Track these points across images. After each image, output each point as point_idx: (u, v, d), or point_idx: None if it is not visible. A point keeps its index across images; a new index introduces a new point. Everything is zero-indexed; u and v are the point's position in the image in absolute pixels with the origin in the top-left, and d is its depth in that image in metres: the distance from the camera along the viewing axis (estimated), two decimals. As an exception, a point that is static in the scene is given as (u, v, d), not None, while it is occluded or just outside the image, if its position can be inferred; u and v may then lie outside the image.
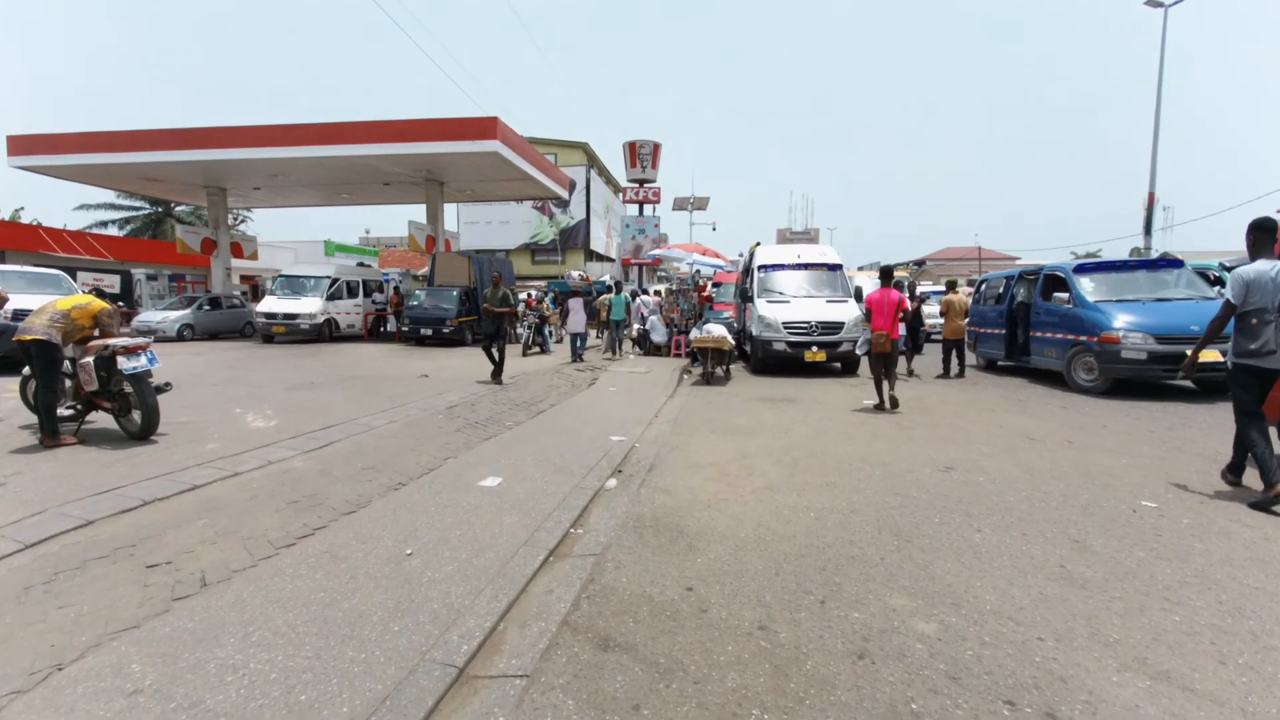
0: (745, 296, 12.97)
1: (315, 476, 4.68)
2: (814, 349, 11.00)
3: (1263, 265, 4.04)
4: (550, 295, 31.81)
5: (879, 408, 7.63)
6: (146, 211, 36.95)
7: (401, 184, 22.34)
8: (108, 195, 33.89)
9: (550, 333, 16.03)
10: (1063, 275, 9.52)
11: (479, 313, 17.65)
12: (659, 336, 13.91)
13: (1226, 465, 4.41)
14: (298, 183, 22.08)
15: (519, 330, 14.93)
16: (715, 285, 18.52)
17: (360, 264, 23.29)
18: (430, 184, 21.68)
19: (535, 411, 7.75)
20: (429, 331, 16.53)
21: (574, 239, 43.18)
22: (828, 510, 3.96)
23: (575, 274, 16.93)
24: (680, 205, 38.58)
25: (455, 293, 17.01)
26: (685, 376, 11.43)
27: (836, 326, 11.13)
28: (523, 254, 44.03)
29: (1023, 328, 10.60)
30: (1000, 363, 11.70)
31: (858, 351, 10.45)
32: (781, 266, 12.58)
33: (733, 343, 10.61)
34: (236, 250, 24.18)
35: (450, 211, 45.74)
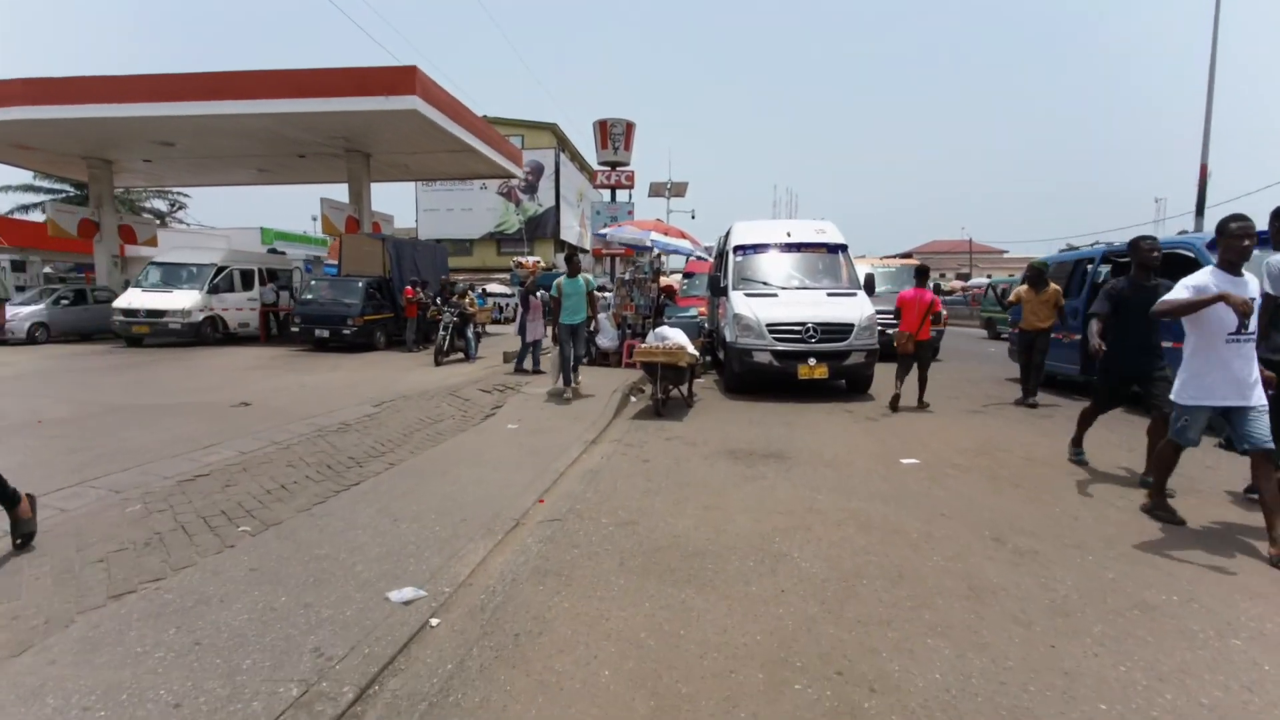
0: (717, 288, 9.63)
1: None
2: (811, 361, 7.73)
3: None
4: (519, 291, 28.37)
5: (896, 400, 7.21)
6: (69, 194, 33.01)
7: (320, 156, 18.61)
8: (25, 175, 30.34)
9: (477, 334, 12.65)
10: (1191, 254, 6.31)
11: (395, 309, 14.21)
12: (607, 340, 10.55)
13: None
14: (190, 153, 18.37)
15: (441, 332, 11.36)
16: (686, 276, 15.21)
17: (271, 250, 19.62)
18: (353, 156, 18.09)
19: (343, 484, 4.43)
20: (326, 333, 13.05)
21: (543, 228, 39.67)
22: None
23: (520, 260, 13.34)
24: (657, 191, 35.09)
25: (361, 284, 13.51)
26: (633, 400, 8.15)
27: (843, 330, 7.88)
28: (488, 244, 40.52)
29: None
30: (1060, 377, 8.59)
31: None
32: (765, 247, 9.27)
33: (695, 354, 7.31)
34: (128, 234, 20.42)
35: (409, 198, 42.26)
